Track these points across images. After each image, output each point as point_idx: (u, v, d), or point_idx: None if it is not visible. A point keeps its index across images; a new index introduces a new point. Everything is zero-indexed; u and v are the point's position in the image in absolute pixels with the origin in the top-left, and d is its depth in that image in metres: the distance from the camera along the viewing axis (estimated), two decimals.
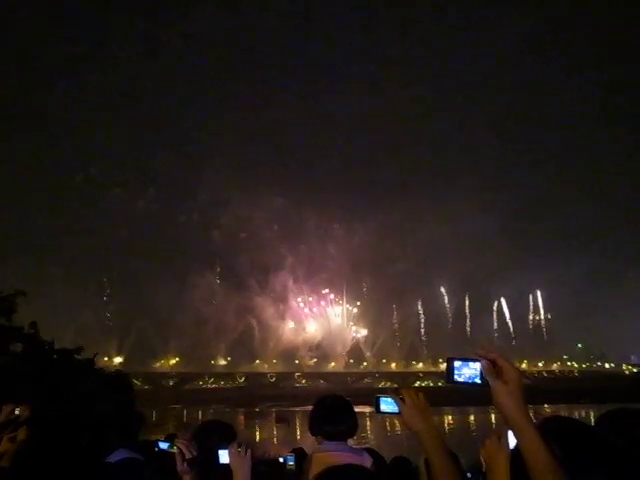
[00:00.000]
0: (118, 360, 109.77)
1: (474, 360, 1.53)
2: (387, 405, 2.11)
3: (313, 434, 2.89)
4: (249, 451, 2.43)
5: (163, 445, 2.68)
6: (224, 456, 2.46)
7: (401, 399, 2.06)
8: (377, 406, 2.12)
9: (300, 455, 6.25)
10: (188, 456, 2.44)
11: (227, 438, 2.84)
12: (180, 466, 2.43)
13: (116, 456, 2.86)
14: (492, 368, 1.47)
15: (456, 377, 1.57)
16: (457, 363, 1.58)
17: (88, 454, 2.81)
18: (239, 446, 2.45)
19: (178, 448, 2.47)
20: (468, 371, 1.55)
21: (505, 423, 1.44)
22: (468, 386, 1.54)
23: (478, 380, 1.52)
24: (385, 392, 2.14)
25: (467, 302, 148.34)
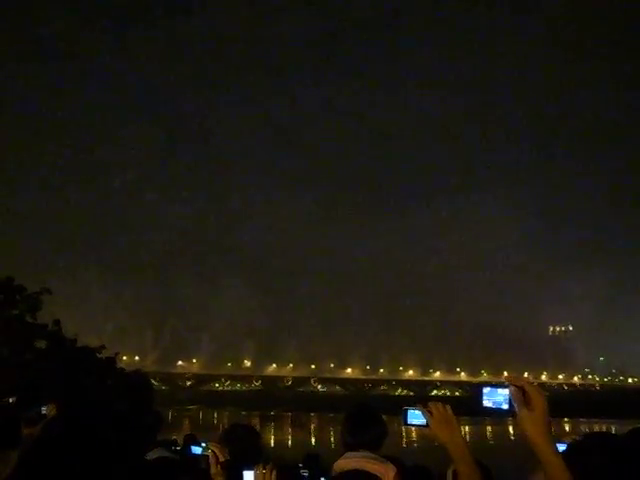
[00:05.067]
0: (148, 360, 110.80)
1: (503, 386, 1.56)
2: (415, 417, 2.15)
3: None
4: (274, 472, 2.37)
5: (196, 450, 2.71)
6: (249, 477, 2.41)
7: (429, 412, 2.11)
8: (405, 418, 2.17)
9: (315, 461, 6.20)
10: (221, 459, 2.46)
11: (253, 444, 2.90)
12: (214, 469, 2.45)
13: (153, 454, 2.96)
14: (520, 395, 1.48)
15: (485, 403, 1.62)
16: (486, 389, 1.62)
17: (125, 451, 2.90)
18: (264, 466, 2.39)
19: (212, 451, 2.48)
20: (496, 397, 1.60)
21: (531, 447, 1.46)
22: (495, 412, 1.59)
23: (505, 406, 1.56)
24: (413, 404, 2.19)
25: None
